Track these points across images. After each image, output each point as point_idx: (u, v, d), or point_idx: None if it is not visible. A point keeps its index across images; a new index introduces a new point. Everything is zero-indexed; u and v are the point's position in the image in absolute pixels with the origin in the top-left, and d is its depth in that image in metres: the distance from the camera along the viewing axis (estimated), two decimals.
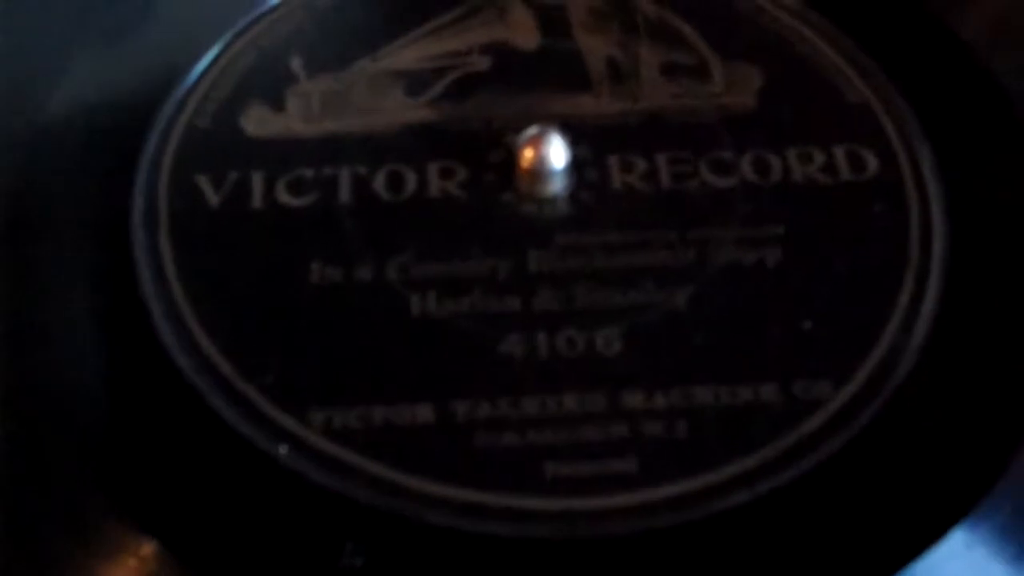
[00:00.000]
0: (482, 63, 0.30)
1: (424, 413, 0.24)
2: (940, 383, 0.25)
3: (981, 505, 0.23)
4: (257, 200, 0.27)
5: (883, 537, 0.23)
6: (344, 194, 0.27)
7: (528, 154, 0.27)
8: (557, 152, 0.27)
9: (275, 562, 0.23)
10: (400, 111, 0.29)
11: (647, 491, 0.23)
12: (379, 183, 0.28)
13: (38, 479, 0.24)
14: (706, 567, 0.23)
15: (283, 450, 0.24)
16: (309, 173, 0.28)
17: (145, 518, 0.23)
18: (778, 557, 0.23)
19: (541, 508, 0.23)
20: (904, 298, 0.26)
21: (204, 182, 0.28)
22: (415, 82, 0.30)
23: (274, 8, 0.31)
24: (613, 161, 0.28)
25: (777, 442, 0.24)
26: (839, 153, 0.28)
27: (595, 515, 0.23)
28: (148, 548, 0.23)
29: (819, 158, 0.28)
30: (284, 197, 0.27)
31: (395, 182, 0.28)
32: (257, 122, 0.29)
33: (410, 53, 0.30)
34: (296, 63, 0.30)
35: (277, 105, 0.29)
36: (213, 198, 0.27)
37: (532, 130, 0.28)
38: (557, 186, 0.27)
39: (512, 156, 0.28)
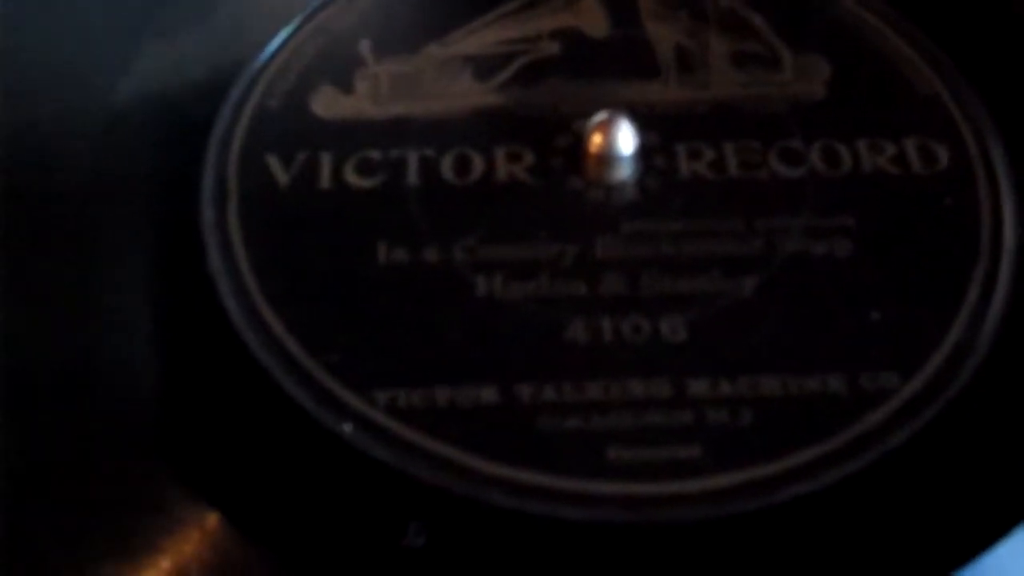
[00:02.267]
0: (551, 49, 0.30)
1: (488, 395, 0.24)
2: (1009, 378, 0.25)
3: None
4: (325, 180, 0.28)
5: (948, 531, 0.23)
6: (412, 176, 0.28)
7: (596, 139, 0.27)
8: (625, 138, 0.27)
9: (337, 539, 0.23)
10: (468, 95, 0.29)
11: (710, 478, 0.23)
12: (447, 166, 0.28)
13: (106, 454, 0.24)
14: (769, 556, 0.23)
15: (347, 428, 0.24)
16: (377, 155, 0.28)
17: (210, 492, 0.23)
18: (841, 548, 0.23)
19: (603, 492, 0.23)
20: (974, 292, 0.26)
21: (273, 162, 0.28)
22: (484, 67, 0.30)
23: None
24: (681, 149, 0.28)
25: (843, 433, 0.24)
26: (909, 145, 0.28)
27: (657, 500, 0.23)
28: (213, 521, 0.23)
29: (889, 149, 0.28)
30: (352, 178, 0.28)
31: (462, 165, 0.28)
32: (326, 104, 0.29)
33: (479, 38, 0.30)
34: (365, 46, 0.30)
35: (346, 87, 0.29)
36: (282, 177, 0.28)
37: (601, 115, 0.27)
38: (624, 172, 0.27)
39: (580, 142, 0.28)
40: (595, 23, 0.31)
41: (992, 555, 0.22)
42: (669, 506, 0.23)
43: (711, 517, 0.23)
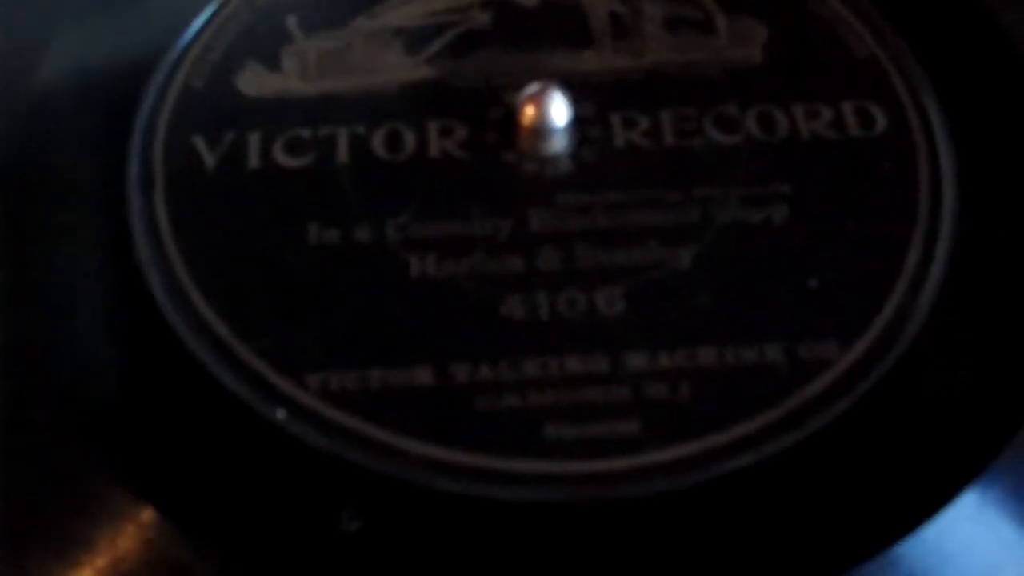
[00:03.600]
0: (482, 19, 0.29)
1: (423, 375, 0.24)
2: (948, 344, 0.24)
3: (991, 467, 0.23)
4: (254, 160, 0.27)
5: (892, 500, 0.23)
6: (342, 154, 0.27)
7: (529, 111, 0.27)
8: (559, 109, 0.27)
9: (274, 526, 0.22)
10: (398, 69, 0.29)
11: (650, 454, 0.23)
12: (378, 143, 0.27)
13: (35, 447, 0.24)
14: (711, 531, 0.22)
15: (281, 414, 0.23)
16: (306, 133, 0.27)
17: (143, 484, 0.23)
18: (784, 521, 0.22)
19: (542, 471, 0.23)
20: (913, 258, 0.25)
21: (200, 143, 0.27)
22: (413, 39, 0.29)
23: None
24: (616, 118, 0.27)
25: (783, 404, 0.23)
26: (847, 109, 0.28)
27: (597, 478, 0.23)
28: (147, 514, 0.23)
29: (826, 114, 0.28)
30: (281, 157, 0.27)
31: (394, 141, 0.27)
32: (253, 82, 0.28)
33: (408, 10, 0.30)
34: (292, 21, 0.29)
35: (273, 65, 0.29)
36: (209, 159, 0.27)
37: (533, 87, 0.27)
38: (559, 144, 0.27)
39: (513, 114, 0.27)
40: None
41: (933, 524, 0.22)
42: (609, 484, 0.23)
43: (652, 493, 0.22)
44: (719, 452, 0.23)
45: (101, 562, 0.23)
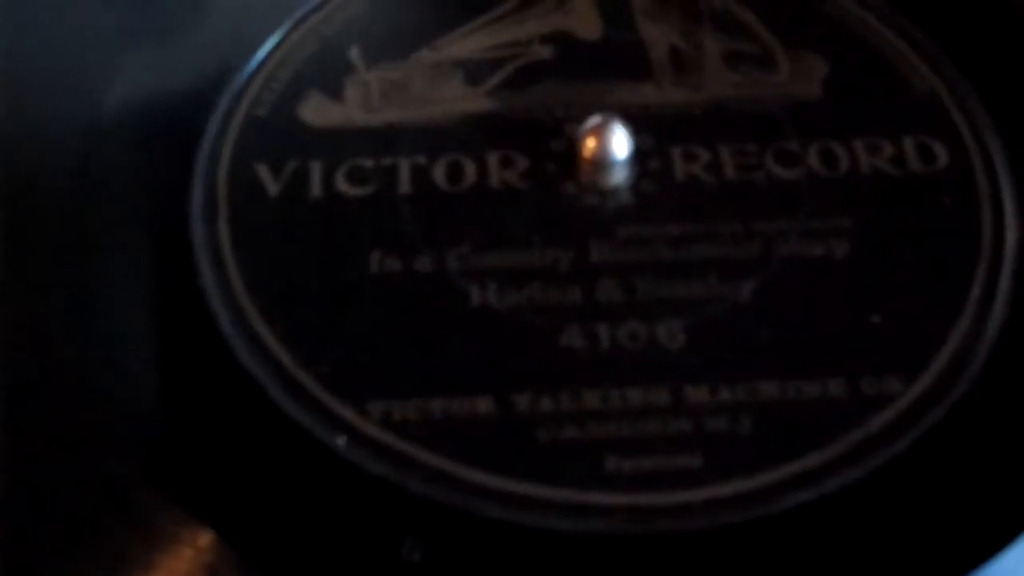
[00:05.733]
0: (543, 52, 0.30)
1: (484, 405, 0.24)
2: (1013, 380, 0.24)
3: None
4: (316, 189, 0.27)
5: (952, 539, 0.22)
6: (404, 184, 0.27)
7: (590, 144, 0.27)
8: (620, 142, 0.27)
9: (332, 554, 0.22)
10: (460, 101, 0.29)
11: (711, 487, 0.23)
12: (439, 173, 0.27)
13: (96, 471, 0.24)
14: (771, 565, 0.22)
15: (341, 441, 0.23)
16: (368, 163, 0.28)
17: (202, 509, 0.23)
18: (845, 556, 0.22)
19: (602, 503, 0.23)
20: (976, 292, 0.25)
21: (263, 171, 0.28)
22: (475, 72, 0.29)
23: None
24: (676, 151, 0.28)
25: (845, 439, 0.23)
26: (908, 144, 0.28)
27: (657, 511, 0.23)
28: (205, 539, 0.23)
29: (887, 149, 0.28)
30: (343, 186, 0.27)
31: (455, 172, 0.27)
32: (316, 111, 0.29)
33: (470, 43, 0.30)
34: (355, 53, 0.30)
35: (336, 94, 0.29)
36: (272, 187, 0.27)
37: (594, 119, 0.27)
38: (619, 176, 0.27)
39: (574, 146, 0.27)
40: (587, 25, 0.30)
41: (998, 562, 0.22)
42: (670, 516, 0.22)
43: (712, 527, 0.22)
44: (780, 487, 0.23)
45: None
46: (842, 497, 0.23)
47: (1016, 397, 0.24)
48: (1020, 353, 0.25)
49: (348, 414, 0.24)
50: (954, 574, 0.22)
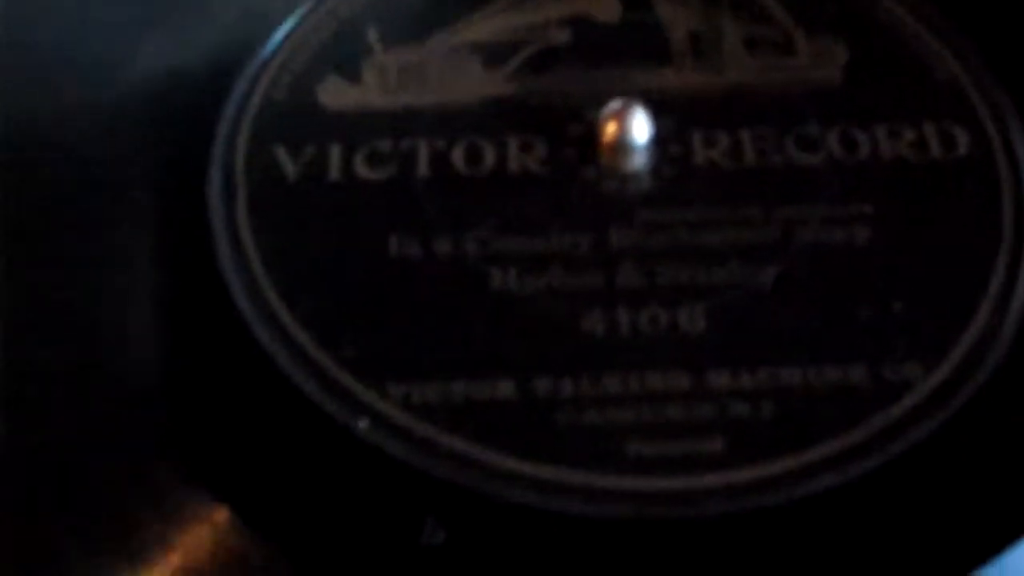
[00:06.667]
0: (562, 36, 0.30)
1: (505, 389, 0.24)
2: None
3: None
4: (335, 172, 0.27)
5: (974, 525, 0.23)
6: (422, 167, 0.27)
7: (610, 128, 0.27)
8: (640, 126, 0.27)
9: (351, 536, 0.23)
10: (478, 84, 0.29)
11: (732, 472, 0.23)
12: (457, 157, 0.27)
13: (116, 450, 0.24)
14: (792, 550, 0.22)
15: (363, 423, 0.24)
16: (387, 146, 0.28)
17: (220, 488, 0.23)
18: (866, 541, 0.22)
19: (623, 487, 0.23)
20: (997, 279, 0.25)
21: (281, 154, 0.28)
22: (493, 55, 0.29)
23: None
24: (696, 136, 0.28)
25: (866, 425, 0.23)
26: (929, 130, 0.28)
27: (678, 496, 0.23)
28: (223, 517, 0.23)
29: (908, 135, 0.28)
30: (362, 170, 0.27)
31: (474, 156, 0.28)
32: (334, 94, 0.29)
33: (488, 26, 0.30)
34: (373, 35, 0.30)
35: (354, 77, 0.29)
36: (291, 170, 0.27)
37: (615, 104, 0.27)
38: (639, 161, 0.27)
39: (593, 130, 0.27)
40: (606, 8, 0.30)
41: (1017, 551, 0.22)
42: (691, 501, 0.23)
43: (734, 512, 0.23)
44: (802, 472, 0.23)
45: (176, 560, 0.23)
46: (863, 483, 0.23)
47: None
48: None
49: (369, 396, 0.24)
50: (973, 564, 0.22)
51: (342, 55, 0.29)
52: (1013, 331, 0.25)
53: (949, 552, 0.22)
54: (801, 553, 0.22)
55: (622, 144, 0.27)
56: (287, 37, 0.30)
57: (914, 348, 0.24)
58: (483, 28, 0.30)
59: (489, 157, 0.27)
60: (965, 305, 0.25)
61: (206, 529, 0.23)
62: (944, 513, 0.23)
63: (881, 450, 0.23)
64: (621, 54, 0.29)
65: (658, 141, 0.27)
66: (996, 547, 0.22)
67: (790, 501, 0.23)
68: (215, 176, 0.27)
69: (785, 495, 0.23)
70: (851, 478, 0.23)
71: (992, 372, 0.24)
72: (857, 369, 0.24)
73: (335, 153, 0.28)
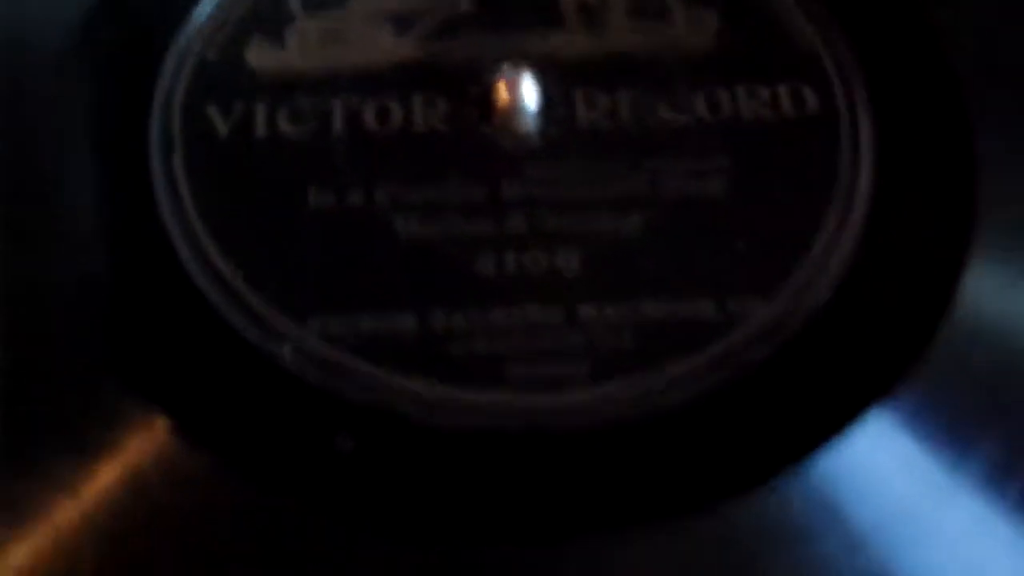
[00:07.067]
0: (466, 4, 0.32)
1: (406, 322, 0.27)
2: (855, 303, 0.28)
3: (889, 395, 0.26)
4: (261, 129, 0.29)
5: (805, 424, 0.26)
6: (338, 125, 0.30)
7: (502, 91, 0.30)
8: (529, 90, 0.30)
9: (275, 444, 0.25)
10: (390, 49, 0.31)
11: (596, 390, 0.26)
12: (369, 115, 0.30)
13: (61, 366, 0.26)
14: (649, 458, 0.26)
15: (287, 350, 0.26)
16: (307, 105, 0.30)
17: (160, 399, 0.25)
18: (713, 451, 0.26)
19: (506, 404, 0.26)
20: (830, 221, 0.28)
21: (214, 112, 0.30)
22: (404, 22, 0.31)
23: None
24: (579, 98, 0.30)
25: (711, 349, 0.27)
26: (783, 91, 0.30)
27: (552, 411, 0.26)
28: (161, 424, 0.25)
29: (764, 95, 0.30)
30: (285, 127, 0.30)
31: (383, 114, 0.30)
32: (261, 56, 0.31)
33: None
34: (295, 2, 0.32)
35: (278, 40, 0.31)
36: (222, 127, 0.29)
37: (506, 68, 0.30)
38: (528, 121, 0.29)
39: (489, 93, 0.30)
40: None
41: (841, 441, 0.25)
42: (563, 415, 0.26)
43: (598, 423, 0.26)
44: (655, 390, 0.26)
45: (118, 465, 0.25)
46: (709, 400, 0.26)
47: (857, 318, 0.27)
48: (863, 280, 0.28)
49: (290, 327, 0.27)
50: (799, 453, 0.25)
51: (268, 19, 0.31)
52: (838, 272, 0.28)
53: (782, 448, 0.25)
54: (655, 460, 0.26)
55: (513, 107, 0.29)
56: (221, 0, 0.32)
57: (753, 283, 0.27)
58: None
59: (397, 116, 0.30)
60: (800, 244, 0.28)
61: (146, 434, 0.25)
62: (782, 417, 0.26)
63: (725, 369, 0.26)
64: (518, 20, 0.31)
65: (546, 103, 0.30)
66: (820, 440, 0.25)
67: (646, 415, 0.26)
68: (155, 130, 0.29)
69: (642, 409, 0.26)
70: (698, 395, 0.26)
71: (823, 302, 0.27)
72: (705, 303, 0.27)
73: (261, 111, 0.30)
